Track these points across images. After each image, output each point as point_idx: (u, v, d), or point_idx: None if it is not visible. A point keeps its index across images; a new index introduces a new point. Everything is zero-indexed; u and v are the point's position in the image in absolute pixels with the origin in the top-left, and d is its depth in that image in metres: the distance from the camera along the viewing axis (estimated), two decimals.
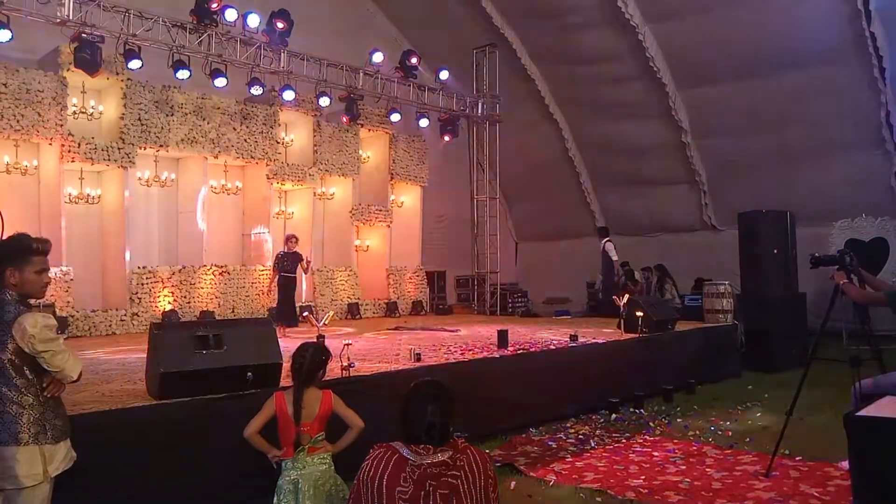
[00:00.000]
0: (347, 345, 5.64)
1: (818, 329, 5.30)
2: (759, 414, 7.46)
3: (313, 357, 3.73)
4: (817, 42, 12.33)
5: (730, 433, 6.60)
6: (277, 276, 9.98)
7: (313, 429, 3.56)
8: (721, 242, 14.79)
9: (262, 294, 12.39)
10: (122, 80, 10.83)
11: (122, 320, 10.70)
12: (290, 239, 10.17)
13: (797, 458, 5.63)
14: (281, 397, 3.66)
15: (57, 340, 2.89)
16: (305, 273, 10.71)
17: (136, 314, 10.85)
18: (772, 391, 8.54)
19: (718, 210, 15.68)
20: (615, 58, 14.55)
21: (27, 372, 2.87)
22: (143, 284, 11.00)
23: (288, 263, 9.93)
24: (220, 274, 11.96)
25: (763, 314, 10.69)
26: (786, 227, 11.26)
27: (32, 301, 3.01)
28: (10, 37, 9.17)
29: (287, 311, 9.98)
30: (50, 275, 3.08)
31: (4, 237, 2.92)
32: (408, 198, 15.70)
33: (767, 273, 10.97)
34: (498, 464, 5.43)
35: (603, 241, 12.82)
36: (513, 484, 5.06)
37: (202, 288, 11.70)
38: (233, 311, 11.93)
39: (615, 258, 12.62)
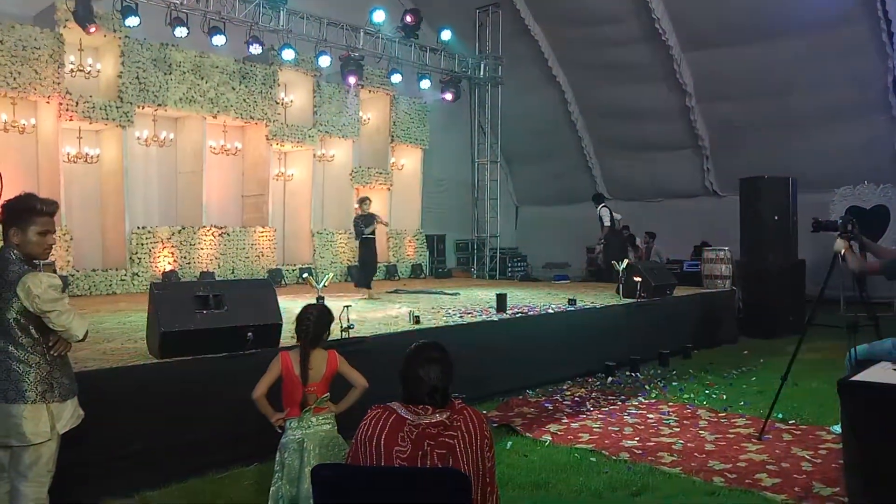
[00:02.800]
0: (347, 307, 5.67)
1: (816, 296, 5.33)
2: (753, 379, 7.53)
3: (318, 318, 3.75)
4: (825, 5, 12.13)
5: (724, 397, 6.67)
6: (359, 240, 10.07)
7: (319, 389, 3.60)
8: (722, 208, 14.76)
9: (262, 256, 12.44)
10: (119, 38, 10.68)
11: (122, 280, 10.75)
12: (365, 201, 10.22)
13: (790, 422, 5.71)
14: (287, 357, 3.69)
15: (62, 300, 2.90)
16: (386, 225, 10.87)
17: (136, 274, 10.89)
18: (768, 357, 8.61)
19: (720, 176, 15.62)
20: (620, 19, 14.32)
21: (33, 331, 2.89)
22: (142, 244, 11.02)
23: (365, 225, 9.95)
24: (219, 235, 11.97)
25: (762, 281, 10.72)
26: (787, 194, 11.20)
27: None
28: None
29: (370, 274, 10.18)
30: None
31: (6, 197, 2.91)
32: (408, 160, 15.61)
33: (767, 239, 10.96)
34: (495, 424, 5.51)
35: (599, 207, 12.78)
36: (509, 444, 5.14)
37: (202, 249, 11.72)
38: (232, 272, 11.97)
39: (607, 224, 12.54)
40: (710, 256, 10.89)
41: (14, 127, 10.25)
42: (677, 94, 14.90)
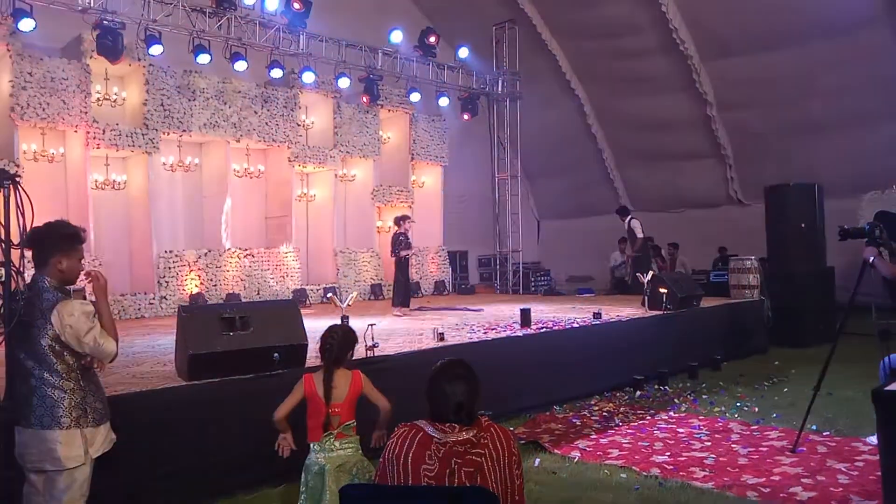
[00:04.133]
0: (371, 325, 5.69)
1: (846, 304, 5.24)
2: (785, 390, 7.40)
3: (343, 338, 3.77)
4: (847, 9, 12.01)
5: (756, 409, 6.56)
6: (396, 258, 10.09)
7: (343, 410, 3.60)
8: (747, 217, 14.59)
9: (286, 277, 12.54)
10: (143, 66, 10.91)
11: (150, 303, 10.89)
12: (405, 219, 10.27)
13: (825, 434, 5.60)
14: (310, 379, 3.71)
15: (95, 326, 2.96)
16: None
17: (164, 297, 11.03)
18: (799, 367, 8.47)
19: (744, 184, 15.46)
20: (637, 31, 14.32)
21: (67, 357, 2.94)
22: (170, 268, 11.17)
23: (405, 244, 10.05)
24: (244, 257, 12.10)
25: (790, 289, 10.57)
26: (813, 200, 11.06)
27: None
28: (34, 26, 9.27)
29: (407, 292, 10.27)
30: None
31: (38, 225, 2.98)
32: (428, 178, 15.68)
33: (795, 247, 10.81)
34: (522, 441, 5.47)
35: (628, 219, 12.62)
36: (537, 461, 5.10)
37: (227, 271, 11.85)
38: (258, 293, 12.07)
39: (640, 236, 12.45)
40: (738, 266, 10.75)
41: (43, 156, 10.49)
42: (698, 103, 14.82)
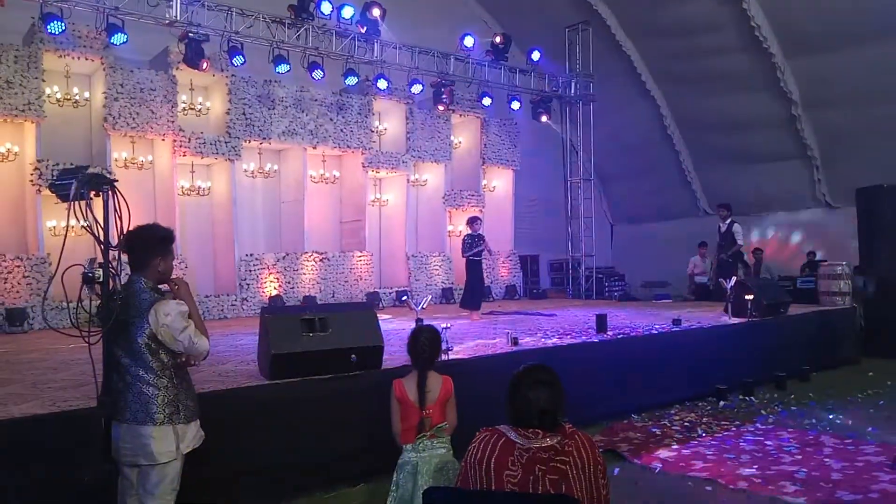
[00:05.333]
0: (446, 328, 5.69)
1: None
2: (881, 402, 6.99)
3: (432, 341, 3.81)
4: None
5: (849, 422, 6.21)
6: (467, 261, 10.03)
7: (436, 413, 3.62)
8: (835, 220, 13.89)
9: (360, 280, 12.74)
10: (226, 77, 11.34)
11: (232, 305, 11.28)
12: (476, 221, 10.24)
13: None
14: (399, 384, 3.75)
15: (190, 325, 3.07)
16: (490, 254, 10.74)
17: (245, 299, 11.40)
18: (895, 379, 7.97)
19: (832, 186, 14.71)
20: (716, 28, 13.85)
21: (162, 355, 3.05)
22: (250, 271, 11.54)
23: (476, 246, 10.00)
24: (320, 260, 12.37)
25: (885, 296, 9.97)
26: None
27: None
28: (125, 39, 9.76)
29: (480, 295, 10.15)
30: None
31: (133, 228, 3.11)
32: (499, 182, 15.64)
33: (889, 251, 10.20)
34: (600, 449, 5.34)
35: (729, 220, 11.57)
36: (616, 470, 4.97)
37: (304, 274, 12.14)
38: (333, 296, 12.31)
39: (740, 242, 11.52)
40: (828, 272, 10.22)
41: (133, 164, 11.03)
42: (782, 102, 14.20)
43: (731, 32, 13.74)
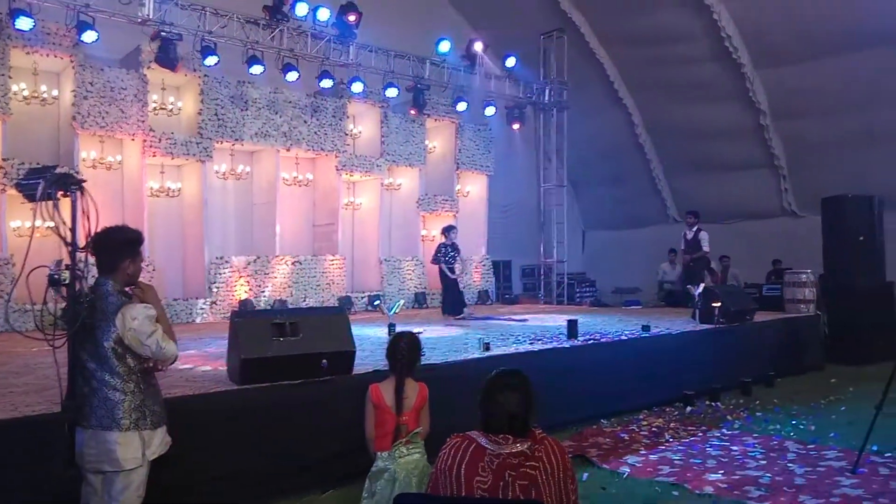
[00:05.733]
0: (419, 333, 5.68)
1: None
2: (843, 408, 7.15)
3: (411, 347, 3.80)
4: None
5: (812, 428, 6.35)
6: (439, 267, 10.16)
7: (411, 419, 3.62)
8: (801, 229, 14.17)
9: (332, 284, 12.67)
10: (199, 77, 11.20)
11: (201, 308, 11.13)
12: (452, 230, 10.31)
13: (887, 455, 5.38)
14: (376, 389, 3.74)
15: (158, 330, 3.03)
16: (452, 273, 10.69)
17: (215, 302, 11.26)
18: (857, 385, 8.17)
19: (798, 195, 15.02)
20: (688, 38, 14.08)
21: (129, 360, 3.01)
22: (220, 274, 11.40)
23: (451, 255, 10.09)
24: (292, 264, 12.27)
25: (848, 304, 10.21)
26: (872, 213, 10.70)
27: None
28: (96, 37, 9.60)
29: (458, 301, 10.26)
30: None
31: (101, 230, 3.06)
32: (473, 187, 15.68)
33: (853, 260, 10.45)
34: (570, 455, 5.38)
35: (696, 228, 11.80)
36: (585, 475, 5.01)
37: (275, 277, 12.03)
38: (304, 300, 12.22)
39: (706, 249, 11.69)
40: (793, 280, 10.43)
41: (102, 164, 10.83)
42: (750, 112, 14.48)
43: (702, 42, 13.98)
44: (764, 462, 5.30)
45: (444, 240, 10.17)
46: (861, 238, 10.52)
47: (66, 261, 2.98)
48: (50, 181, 2.95)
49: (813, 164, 14.27)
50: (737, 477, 4.94)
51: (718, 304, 8.57)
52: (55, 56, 10.01)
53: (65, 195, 2.99)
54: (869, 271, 10.53)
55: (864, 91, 12.68)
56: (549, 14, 15.46)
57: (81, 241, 2.99)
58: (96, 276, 3.10)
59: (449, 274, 10.27)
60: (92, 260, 3.07)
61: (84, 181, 3.06)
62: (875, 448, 5.40)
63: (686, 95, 14.96)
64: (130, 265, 3.10)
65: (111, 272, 3.06)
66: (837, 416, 6.85)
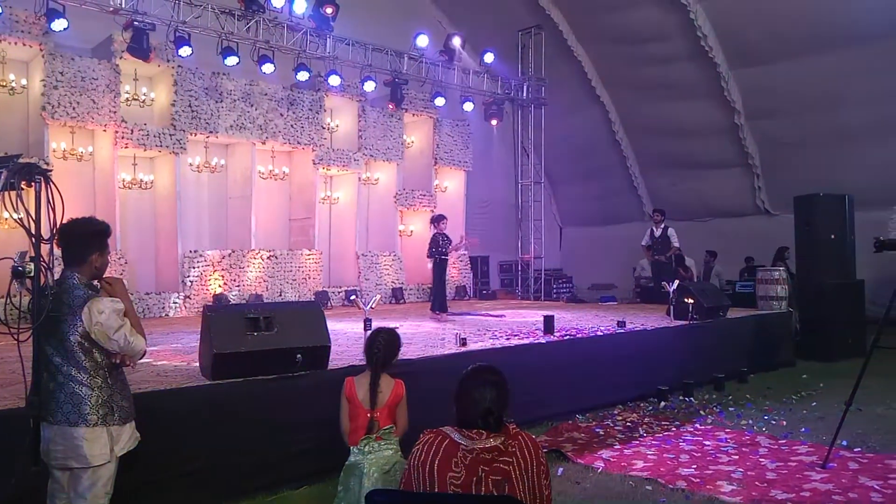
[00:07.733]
0: (396, 328, 5.64)
1: (880, 317, 5.11)
2: (814, 404, 7.25)
3: (388, 343, 3.77)
4: (877, 15, 11.80)
5: (784, 423, 6.43)
6: (433, 261, 9.86)
7: (383, 415, 3.60)
8: (774, 227, 14.37)
9: (308, 279, 12.57)
10: (172, 68, 11.02)
11: (174, 303, 10.97)
12: (443, 220, 10.07)
13: (856, 450, 5.46)
14: (351, 382, 3.71)
15: (125, 324, 2.96)
16: (456, 251, 10.49)
17: (188, 297, 11.11)
18: (828, 381, 8.29)
19: (772, 194, 15.24)
20: (665, 37, 14.20)
21: (96, 354, 2.94)
22: (194, 268, 11.25)
23: (444, 246, 9.83)
24: (267, 258, 12.15)
25: (819, 302, 10.37)
26: (843, 211, 10.85)
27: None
28: (67, 26, 9.40)
29: (444, 297, 10.01)
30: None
31: (68, 222, 2.98)
32: (451, 182, 15.66)
33: (824, 259, 10.61)
34: (545, 450, 5.39)
35: (664, 225, 12.04)
36: (560, 470, 5.02)
37: (251, 272, 11.91)
38: (280, 295, 12.11)
39: (676, 245, 11.91)
40: (766, 277, 10.57)
41: (73, 155, 10.63)
42: (725, 111, 14.64)
43: (678, 41, 14.10)
44: (736, 457, 5.35)
45: (435, 230, 10.06)
46: (832, 236, 10.67)
47: (31, 253, 2.89)
48: (13, 171, 2.86)
49: (786, 163, 14.48)
50: (709, 471, 4.98)
51: (692, 301, 8.65)
52: (24, 44, 9.78)
53: (28, 185, 2.90)
54: (840, 269, 10.69)
55: (833, 92, 12.90)
56: (527, 10, 15.49)
57: (46, 233, 2.91)
58: (62, 268, 3.02)
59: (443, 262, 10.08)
60: (57, 252, 2.99)
61: (50, 171, 2.98)
62: (845, 443, 5.48)
63: (662, 94, 15.09)
64: (98, 258, 3.03)
65: (78, 265, 2.99)
66: (808, 411, 6.94)
